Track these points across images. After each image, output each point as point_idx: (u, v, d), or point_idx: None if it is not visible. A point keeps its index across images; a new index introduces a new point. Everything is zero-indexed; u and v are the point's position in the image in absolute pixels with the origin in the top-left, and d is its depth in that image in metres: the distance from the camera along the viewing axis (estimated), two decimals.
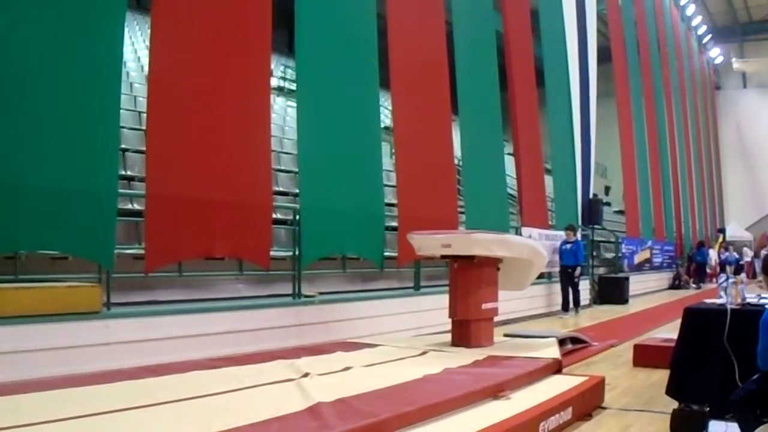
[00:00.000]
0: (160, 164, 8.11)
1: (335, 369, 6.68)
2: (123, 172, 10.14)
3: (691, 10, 37.72)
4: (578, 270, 17.19)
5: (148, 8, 8.65)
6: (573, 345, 10.42)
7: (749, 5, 42.39)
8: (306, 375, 6.22)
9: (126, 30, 9.42)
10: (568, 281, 17.26)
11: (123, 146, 10.45)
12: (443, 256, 9.29)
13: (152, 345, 7.49)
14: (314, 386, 5.74)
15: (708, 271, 32.21)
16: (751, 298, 6.89)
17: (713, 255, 33.68)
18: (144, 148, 8.83)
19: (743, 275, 10.06)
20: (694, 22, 39.54)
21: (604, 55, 24.32)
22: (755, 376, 5.19)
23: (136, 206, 9.49)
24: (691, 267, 31.74)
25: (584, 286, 19.63)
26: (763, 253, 20.78)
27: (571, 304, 17.22)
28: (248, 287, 10.32)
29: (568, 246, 17.18)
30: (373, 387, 5.82)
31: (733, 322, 6.26)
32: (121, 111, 9.11)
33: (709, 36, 42.65)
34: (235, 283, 10.20)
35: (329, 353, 7.80)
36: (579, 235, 17.99)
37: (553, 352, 8.23)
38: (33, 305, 6.78)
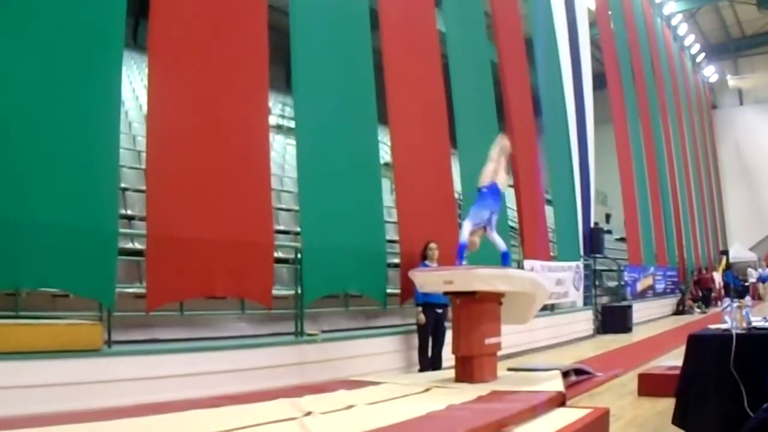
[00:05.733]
0: (161, 203, 8.17)
1: (338, 407, 6.65)
2: (123, 211, 10.17)
3: (683, 29, 37.46)
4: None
5: (144, 47, 8.72)
6: (577, 376, 10.39)
7: (740, 20, 41.70)
8: (308, 413, 6.19)
9: (124, 69, 9.50)
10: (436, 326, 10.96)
11: (123, 185, 10.47)
12: (446, 293, 9.28)
13: (153, 383, 7.47)
14: (317, 425, 5.72)
15: (713, 294, 31.71)
16: (757, 322, 6.75)
17: (717, 278, 33.23)
18: (144, 188, 8.87)
19: (747, 298, 9.86)
20: (687, 42, 39.31)
21: (599, 81, 24.28)
22: (767, 404, 5.09)
23: (137, 245, 9.47)
24: (696, 291, 31.17)
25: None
26: None
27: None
28: (250, 326, 10.25)
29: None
30: (376, 425, 5.79)
31: (738, 347, 6.10)
32: (121, 150, 9.15)
33: (703, 54, 42.38)
34: (237, 321, 10.14)
35: (332, 391, 7.76)
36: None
37: (556, 384, 8.20)
38: (33, 342, 6.79)
